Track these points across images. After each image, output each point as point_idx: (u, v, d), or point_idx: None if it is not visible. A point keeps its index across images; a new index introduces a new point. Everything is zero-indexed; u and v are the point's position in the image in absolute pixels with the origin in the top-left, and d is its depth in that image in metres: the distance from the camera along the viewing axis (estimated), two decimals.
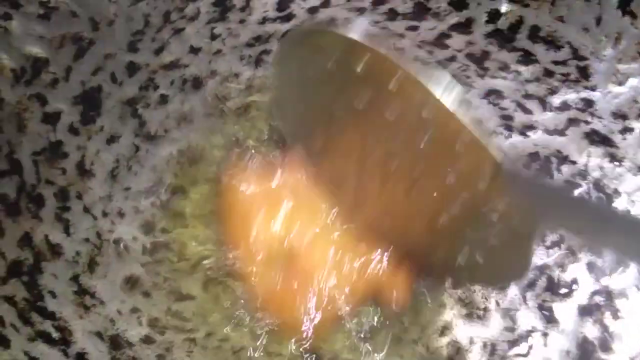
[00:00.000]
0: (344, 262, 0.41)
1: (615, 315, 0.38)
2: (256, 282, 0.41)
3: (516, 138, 0.48)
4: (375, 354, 0.41)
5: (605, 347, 0.37)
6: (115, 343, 0.40)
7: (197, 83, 0.51)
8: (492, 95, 0.50)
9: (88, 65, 0.47)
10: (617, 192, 0.43)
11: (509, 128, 0.49)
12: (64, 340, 0.38)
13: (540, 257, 0.43)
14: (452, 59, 0.51)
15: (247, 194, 0.44)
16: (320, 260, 0.41)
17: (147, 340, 0.41)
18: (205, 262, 0.45)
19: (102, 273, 0.43)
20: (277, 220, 0.42)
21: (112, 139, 0.47)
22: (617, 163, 0.44)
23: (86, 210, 0.44)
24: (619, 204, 0.43)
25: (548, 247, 0.43)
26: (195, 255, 0.45)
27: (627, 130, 0.45)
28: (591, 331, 0.38)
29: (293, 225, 0.42)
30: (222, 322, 0.42)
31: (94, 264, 0.43)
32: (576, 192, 0.44)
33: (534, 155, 0.47)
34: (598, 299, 0.40)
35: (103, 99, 0.48)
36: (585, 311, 0.39)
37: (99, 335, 0.40)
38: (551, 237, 0.44)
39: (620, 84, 0.45)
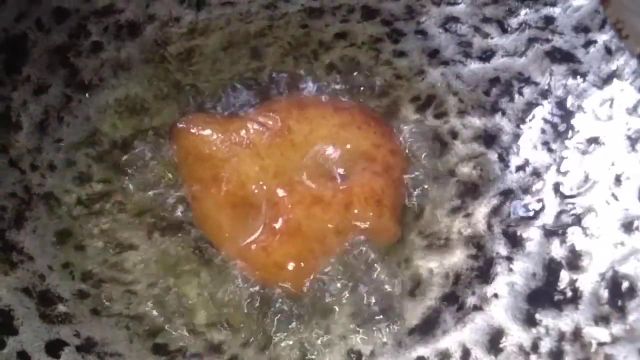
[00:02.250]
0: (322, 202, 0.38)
1: (584, 233, 0.36)
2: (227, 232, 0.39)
3: (476, 65, 0.45)
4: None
5: (573, 265, 0.35)
6: (45, 299, 0.36)
7: (134, 29, 0.48)
8: (449, 22, 0.47)
9: (10, 11, 0.44)
10: (580, 108, 0.40)
11: (468, 55, 0.46)
12: None
13: (504, 182, 0.40)
14: None
15: (207, 142, 0.41)
16: (303, 196, 0.38)
17: (81, 294, 0.38)
18: (148, 211, 0.41)
19: (31, 228, 0.39)
20: (246, 167, 0.40)
21: (40, 89, 0.44)
22: (580, 79, 0.41)
23: (12, 163, 0.41)
24: (585, 120, 0.40)
25: (512, 172, 0.41)
26: (137, 205, 0.41)
27: (590, 43, 0.42)
28: (558, 251, 0.36)
29: (257, 174, 0.39)
30: (168, 271, 0.39)
31: (21, 219, 0.39)
32: (538, 113, 0.42)
33: (494, 81, 0.44)
34: (565, 218, 0.37)
35: (29, 48, 0.44)
36: (552, 232, 0.37)
37: (26, 291, 0.36)
38: (515, 162, 0.41)
39: None
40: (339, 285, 0.37)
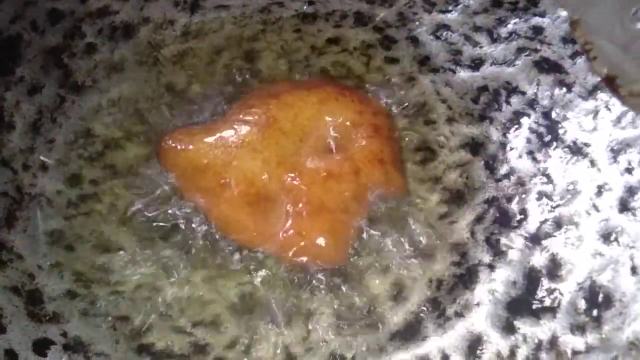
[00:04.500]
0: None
1: (564, 242, 0.36)
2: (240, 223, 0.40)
3: (465, 73, 0.46)
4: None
5: (553, 274, 0.35)
6: (34, 298, 0.37)
7: (128, 30, 0.48)
8: (440, 30, 0.48)
9: (5, 12, 0.44)
10: (566, 119, 0.41)
11: (458, 63, 0.46)
12: None
13: (489, 190, 0.41)
14: None
15: (202, 150, 0.41)
16: (314, 176, 0.40)
17: (70, 294, 0.38)
18: (139, 213, 0.42)
19: (22, 227, 0.40)
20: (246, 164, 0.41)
21: (33, 90, 0.44)
22: (566, 89, 0.42)
23: (4, 163, 0.42)
24: (570, 130, 0.40)
25: (497, 180, 0.41)
26: (127, 207, 0.42)
27: (577, 54, 0.43)
28: (539, 260, 0.36)
29: (262, 168, 0.40)
30: (156, 273, 0.39)
31: (12, 218, 0.40)
32: (524, 122, 0.42)
33: (483, 89, 0.45)
34: (546, 227, 0.37)
35: (23, 48, 0.45)
36: (533, 241, 0.37)
37: (15, 290, 0.37)
38: (501, 170, 0.41)
39: None
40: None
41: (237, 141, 0.41)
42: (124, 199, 0.42)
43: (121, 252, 0.40)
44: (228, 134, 0.42)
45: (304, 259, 0.39)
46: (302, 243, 0.39)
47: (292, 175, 0.40)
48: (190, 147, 0.42)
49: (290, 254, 0.39)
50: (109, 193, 0.42)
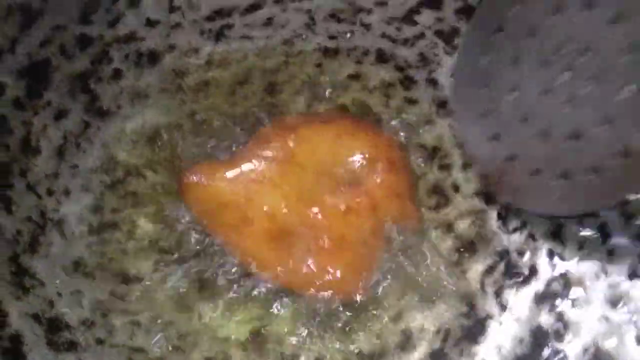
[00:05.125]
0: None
1: (572, 303, 0.37)
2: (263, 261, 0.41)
3: None
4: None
5: (559, 335, 0.36)
6: (53, 326, 0.38)
7: (153, 57, 0.49)
8: None
9: (35, 36, 0.45)
10: None
11: None
12: None
13: (500, 242, 0.42)
14: (421, 36, 0.49)
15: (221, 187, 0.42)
16: (333, 211, 0.41)
17: (87, 323, 0.39)
18: (158, 243, 0.43)
19: (44, 253, 0.41)
20: (265, 202, 0.41)
21: (60, 115, 0.45)
22: None
23: (30, 188, 0.43)
24: None
25: (509, 232, 0.42)
26: (145, 236, 0.43)
27: None
28: (546, 319, 0.37)
29: (283, 203, 0.41)
30: (169, 305, 0.40)
31: (35, 243, 0.41)
32: None
33: None
34: (555, 286, 0.38)
35: (51, 73, 0.46)
36: (542, 299, 0.38)
37: (36, 317, 0.38)
38: (513, 223, 0.42)
39: None
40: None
41: (257, 176, 0.42)
42: (144, 228, 0.43)
43: (138, 282, 0.41)
44: (248, 168, 0.43)
45: (326, 293, 0.40)
46: (325, 277, 0.40)
47: (312, 209, 0.41)
48: (212, 182, 0.42)
49: (312, 288, 0.40)
50: (129, 221, 0.43)
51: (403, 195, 0.42)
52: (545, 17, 0.34)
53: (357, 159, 0.43)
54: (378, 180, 0.42)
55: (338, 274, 0.40)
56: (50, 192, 0.43)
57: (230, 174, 0.42)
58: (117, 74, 0.48)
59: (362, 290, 0.40)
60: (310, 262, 0.40)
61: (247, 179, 0.42)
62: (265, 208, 0.41)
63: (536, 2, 0.35)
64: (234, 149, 0.45)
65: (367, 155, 0.43)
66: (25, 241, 0.41)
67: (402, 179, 0.43)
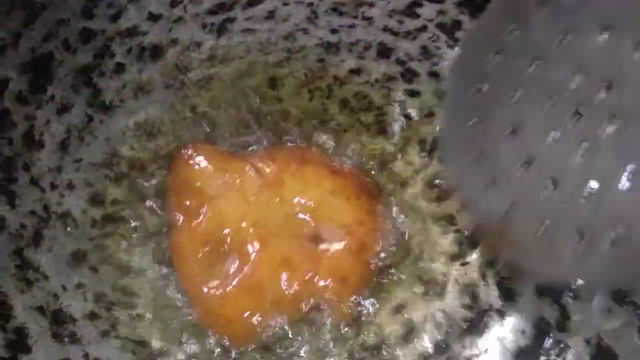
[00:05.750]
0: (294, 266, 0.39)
1: (574, 295, 0.37)
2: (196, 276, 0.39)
3: None
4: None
5: (562, 326, 0.36)
6: (58, 318, 0.38)
7: (156, 52, 0.49)
8: None
9: (39, 31, 0.46)
10: None
11: None
12: (2, 315, 0.37)
13: None
14: (423, 29, 0.49)
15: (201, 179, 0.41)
16: (273, 254, 0.39)
17: (91, 316, 0.39)
18: (162, 237, 0.43)
19: (48, 247, 0.41)
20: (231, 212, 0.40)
21: (63, 109, 0.46)
22: None
23: (33, 182, 0.43)
24: None
25: None
26: (149, 230, 0.43)
27: None
28: (548, 311, 0.37)
29: (239, 220, 0.40)
30: (173, 299, 0.41)
31: (39, 237, 0.41)
32: None
33: None
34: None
35: (54, 67, 0.46)
36: (544, 290, 0.38)
37: (40, 310, 0.38)
38: None
39: None
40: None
41: (236, 183, 0.41)
42: (147, 221, 0.43)
43: (141, 275, 0.42)
44: (234, 171, 0.41)
45: (212, 322, 0.39)
46: (217, 309, 0.38)
47: (257, 242, 0.39)
48: (198, 165, 0.41)
49: (203, 311, 0.39)
50: (133, 215, 0.44)
51: (347, 284, 0.39)
52: (553, 42, 0.28)
53: (334, 222, 0.40)
54: (335, 254, 0.39)
55: (231, 314, 0.38)
56: (53, 186, 0.43)
57: (220, 163, 0.41)
58: (120, 68, 0.48)
59: (240, 342, 0.38)
60: (218, 286, 0.38)
61: (226, 178, 0.41)
62: (220, 214, 0.40)
63: (542, 24, 0.29)
64: (236, 147, 0.45)
65: (344, 226, 0.40)
66: (29, 235, 0.41)
67: (359, 270, 0.40)
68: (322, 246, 0.39)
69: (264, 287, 0.38)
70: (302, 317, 0.39)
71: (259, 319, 0.38)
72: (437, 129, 0.43)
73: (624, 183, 0.27)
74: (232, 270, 0.38)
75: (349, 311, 0.39)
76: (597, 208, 0.28)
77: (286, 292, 0.38)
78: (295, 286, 0.38)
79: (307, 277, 0.38)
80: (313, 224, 0.40)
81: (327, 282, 0.38)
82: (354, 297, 0.40)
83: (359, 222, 0.40)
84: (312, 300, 0.39)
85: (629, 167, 0.27)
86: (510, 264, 0.38)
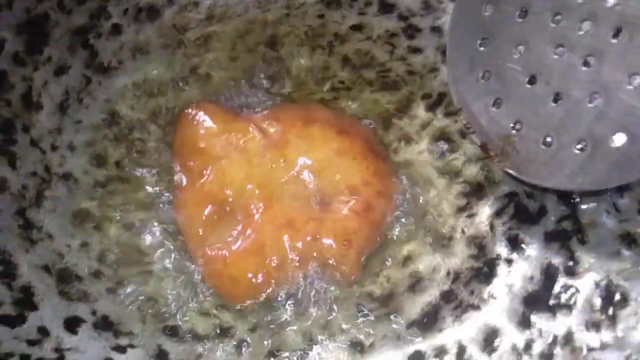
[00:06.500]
0: (297, 223, 0.38)
1: (582, 240, 0.37)
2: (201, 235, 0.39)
3: None
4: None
5: (570, 271, 0.36)
6: (64, 277, 0.38)
7: (153, 12, 0.48)
8: None
9: None
10: None
11: None
12: (7, 274, 0.37)
13: (508, 184, 0.41)
14: None
15: (206, 136, 0.41)
16: (276, 215, 0.39)
17: (97, 274, 0.39)
18: (163, 195, 0.43)
19: (51, 207, 0.41)
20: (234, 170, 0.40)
21: (60, 70, 0.45)
22: None
23: (33, 143, 0.42)
24: None
25: None
26: (152, 189, 0.43)
27: None
28: (556, 257, 0.37)
29: (243, 182, 0.39)
30: (182, 256, 0.40)
31: (41, 198, 0.41)
32: None
33: None
34: (566, 224, 0.38)
35: (50, 28, 0.45)
36: (552, 237, 0.38)
37: (46, 269, 0.38)
38: None
39: None
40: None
41: (240, 143, 0.40)
42: (149, 181, 0.43)
43: (147, 232, 0.41)
44: (239, 131, 0.41)
45: (215, 283, 0.39)
46: (219, 269, 0.38)
47: (261, 203, 0.38)
48: (203, 124, 0.41)
49: (206, 271, 0.38)
50: (134, 175, 0.43)
51: (352, 246, 0.38)
52: None
53: (339, 183, 0.39)
54: (340, 215, 0.38)
55: (233, 274, 0.37)
56: (54, 148, 0.43)
57: (224, 123, 0.41)
58: (117, 30, 0.47)
59: (242, 302, 0.38)
60: (221, 247, 0.38)
61: (230, 139, 0.40)
62: (224, 175, 0.39)
63: None
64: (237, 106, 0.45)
65: (350, 186, 0.39)
66: (31, 196, 0.41)
67: (364, 231, 0.39)
68: (327, 207, 0.39)
69: (267, 248, 0.38)
70: (306, 277, 0.39)
71: (263, 278, 0.38)
72: (446, 49, 0.41)
73: (628, 91, 0.28)
74: (235, 231, 0.38)
75: (353, 272, 0.39)
76: (600, 116, 0.30)
77: (290, 253, 0.38)
78: (299, 247, 0.38)
79: (311, 238, 0.38)
80: (318, 185, 0.39)
81: (332, 243, 0.38)
82: (361, 258, 0.39)
83: (365, 183, 0.39)
84: (316, 261, 0.38)
85: (634, 77, 0.28)
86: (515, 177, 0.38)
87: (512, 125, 0.35)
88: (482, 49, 0.35)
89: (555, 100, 0.32)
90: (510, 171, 0.37)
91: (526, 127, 0.34)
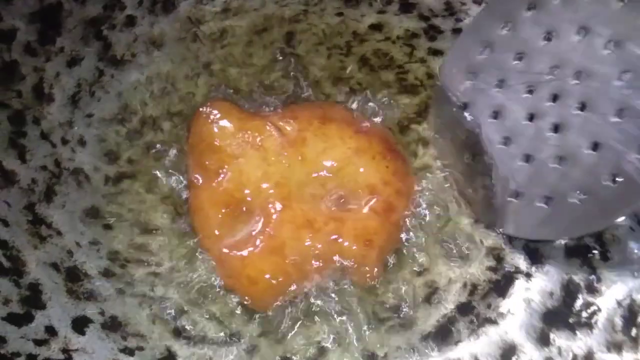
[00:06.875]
0: (316, 224, 0.38)
1: (605, 256, 0.36)
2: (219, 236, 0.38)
3: None
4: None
5: (592, 288, 0.35)
6: (72, 275, 0.37)
7: (168, 4, 0.47)
8: None
9: None
10: None
11: None
12: (16, 270, 0.36)
13: None
14: None
15: (222, 134, 0.40)
16: (295, 215, 0.38)
17: (106, 273, 0.39)
18: (175, 194, 0.42)
19: (60, 203, 0.40)
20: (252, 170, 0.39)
21: (73, 62, 0.44)
22: None
23: (44, 136, 0.41)
24: None
25: None
26: (164, 187, 0.42)
27: None
28: (577, 273, 0.36)
29: (265, 179, 0.38)
30: (191, 256, 0.40)
31: (51, 193, 0.40)
32: None
33: None
34: (588, 239, 0.37)
35: (63, 18, 0.44)
36: (573, 252, 0.37)
37: (54, 266, 0.37)
38: None
39: None
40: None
41: (257, 142, 0.39)
42: (161, 179, 0.42)
43: (157, 233, 0.41)
44: (255, 130, 0.40)
45: (233, 283, 0.38)
46: (238, 270, 0.37)
47: (279, 202, 0.37)
48: (219, 123, 0.40)
49: (224, 271, 0.38)
50: (146, 172, 0.42)
51: (373, 247, 0.38)
52: (536, 42, 0.34)
53: (358, 183, 0.38)
54: (360, 215, 0.38)
55: (252, 275, 0.37)
56: (65, 141, 0.42)
57: (240, 121, 0.40)
58: (131, 21, 0.46)
59: (262, 305, 0.37)
60: (239, 247, 0.37)
61: (247, 137, 0.39)
62: (240, 174, 0.38)
63: (527, 27, 0.35)
64: (251, 105, 0.44)
65: (369, 187, 0.38)
66: (41, 190, 0.40)
67: (385, 231, 0.38)
68: (347, 207, 0.38)
69: (286, 249, 0.37)
70: (325, 278, 0.38)
71: (282, 279, 0.37)
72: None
73: (589, 155, 0.33)
74: (253, 231, 0.37)
75: (375, 273, 0.38)
76: (564, 176, 0.34)
77: (309, 254, 0.37)
78: (319, 248, 0.37)
79: (330, 239, 0.37)
80: (336, 184, 0.38)
81: (352, 244, 0.37)
82: (382, 258, 0.38)
83: (384, 183, 0.39)
84: (336, 262, 0.38)
85: (594, 144, 0.33)
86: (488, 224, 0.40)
87: (484, 179, 0.38)
88: (464, 113, 0.39)
89: (526, 160, 0.36)
90: (482, 220, 0.40)
91: (497, 181, 0.37)
